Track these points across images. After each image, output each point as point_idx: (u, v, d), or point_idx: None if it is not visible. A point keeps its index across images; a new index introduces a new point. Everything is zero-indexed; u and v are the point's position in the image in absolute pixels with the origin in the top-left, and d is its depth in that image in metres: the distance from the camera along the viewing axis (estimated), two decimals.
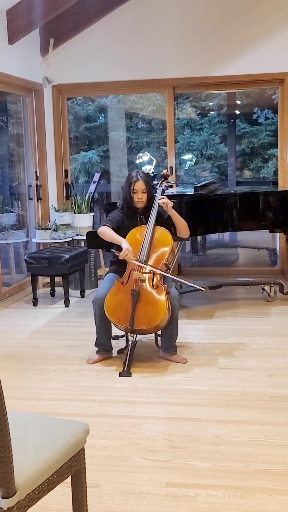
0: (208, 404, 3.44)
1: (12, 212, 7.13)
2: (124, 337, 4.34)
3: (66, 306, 5.78)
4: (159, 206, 4.23)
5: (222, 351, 4.33)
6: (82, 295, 6.17)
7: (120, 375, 3.91)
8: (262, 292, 5.75)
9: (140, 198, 4.23)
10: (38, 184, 6.79)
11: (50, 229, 6.52)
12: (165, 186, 4.44)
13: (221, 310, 5.46)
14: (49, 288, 6.30)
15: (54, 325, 5.23)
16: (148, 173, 4.69)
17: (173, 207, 4.23)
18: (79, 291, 6.20)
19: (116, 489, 2.57)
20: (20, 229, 7.07)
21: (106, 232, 4.16)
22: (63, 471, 1.97)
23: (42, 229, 6.49)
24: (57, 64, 6.74)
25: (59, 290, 6.16)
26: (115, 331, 4.25)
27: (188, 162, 9.41)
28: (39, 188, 6.79)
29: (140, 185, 4.21)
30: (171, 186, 4.84)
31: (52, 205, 6.82)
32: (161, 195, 4.29)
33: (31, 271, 5.85)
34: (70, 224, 6.67)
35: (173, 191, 5.58)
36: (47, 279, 6.43)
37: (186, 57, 6.50)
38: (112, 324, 4.12)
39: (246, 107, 9.84)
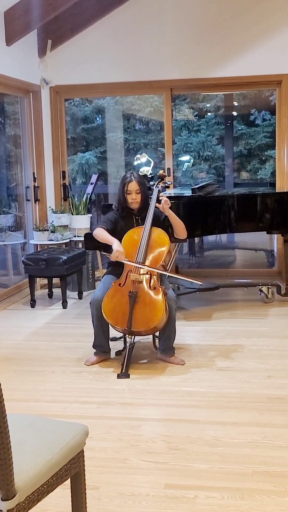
0: (206, 405, 3.44)
1: (10, 213, 7.12)
2: (122, 339, 4.34)
3: (64, 308, 5.78)
4: (155, 207, 4.22)
5: (220, 353, 4.33)
6: (80, 297, 6.17)
7: (118, 376, 3.91)
8: (260, 294, 5.75)
9: (134, 199, 4.22)
10: (36, 185, 6.78)
11: (47, 230, 6.51)
12: (161, 186, 4.43)
13: (218, 312, 5.46)
14: (47, 290, 6.30)
15: (52, 327, 5.23)
16: (145, 174, 4.69)
17: (171, 208, 4.23)
18: (77, 292, 6.20)
19: (115, 491, 2.57)
20: (18, 231, 7.07)
21: (100, 234, 4.16)
22: (62, 473, 1.97)
23: (39, 230, 6.49)
24: (54, 66, 6.75)
25: (56, 291, 6.15)
26: (113, 333, 4.26)
27: (186, 164, 9.41)
28: (37, 190, 6.79)
29: (133, 186, 4.19)
30: (167, 187, 4.83)
31: (49, 207, 6.82)
32: (158, 196, 4.29)
33: (29, 272, 5.85)
34: (67, 225, 6.67)
35: (170, 192, 5.58)
36: (45, 281, 6.44)
37: (183, 58, 6.51)
38: (110, 325, 4.13)
39: (244, 108, 9.84)
